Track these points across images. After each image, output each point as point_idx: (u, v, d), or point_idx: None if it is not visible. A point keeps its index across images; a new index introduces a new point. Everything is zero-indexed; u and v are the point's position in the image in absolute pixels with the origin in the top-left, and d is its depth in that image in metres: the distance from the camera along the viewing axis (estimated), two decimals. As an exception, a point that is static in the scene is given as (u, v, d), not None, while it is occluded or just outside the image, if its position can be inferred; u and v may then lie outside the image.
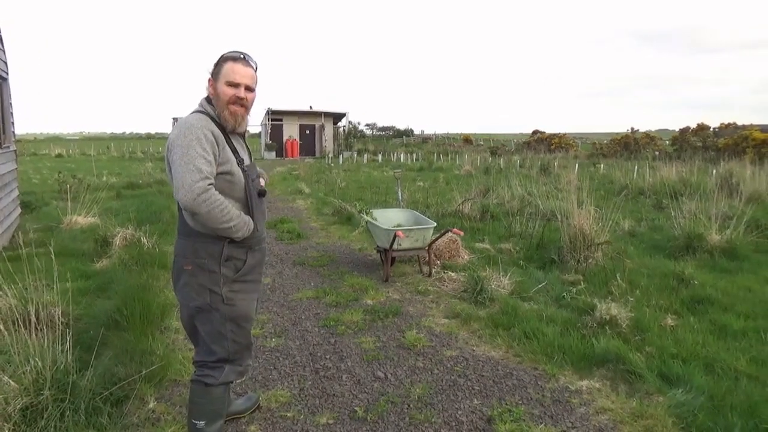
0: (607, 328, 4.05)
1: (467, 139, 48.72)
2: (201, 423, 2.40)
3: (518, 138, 40.96)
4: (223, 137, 2.30)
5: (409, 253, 5.51)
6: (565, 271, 5.72)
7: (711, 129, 28.60)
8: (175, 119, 21.95)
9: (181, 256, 2.35)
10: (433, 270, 5.67)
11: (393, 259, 5.76)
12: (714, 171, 14.66)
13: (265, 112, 34.46)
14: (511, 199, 9.88)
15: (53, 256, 3.56)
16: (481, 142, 46.91)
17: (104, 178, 16.06)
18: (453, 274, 5.50)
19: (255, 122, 35.16)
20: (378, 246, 5.72)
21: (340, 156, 30.42)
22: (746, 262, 5.89)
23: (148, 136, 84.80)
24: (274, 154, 33.18)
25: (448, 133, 56.57)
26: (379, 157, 31.35)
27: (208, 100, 2.38)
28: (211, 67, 2.38)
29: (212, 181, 2.18)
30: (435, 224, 5.49)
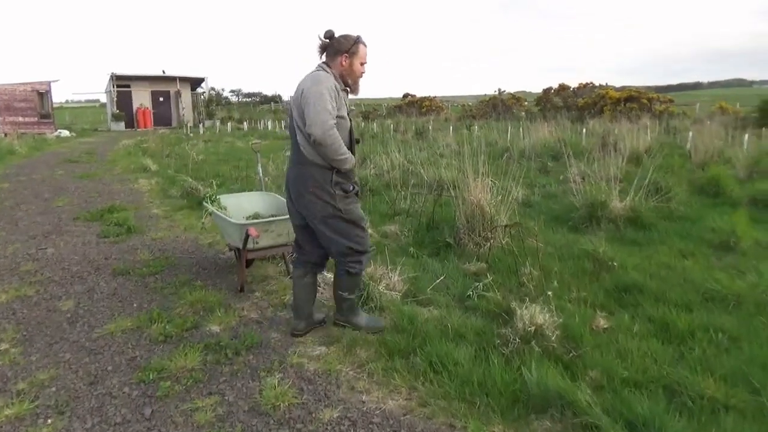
0: (533, 343, 3.07)
1: (338, 104, 47.11)
2: (346, 293, 3.32)
3: (389, 102, 40.31)
4: (339, 90, 3.05)
5: (271, 251, 4.17)
6: (464, 257, 4.73)
7: (571, 89, 29.90)
8: None
9: (303, 181, 3.08)
10: (304, 270, 4.39)
11: (250, 261, 4.38)
12: (584, 130, 14.80)
13: (108, 77, 30.30)
14: (391, 169, 8.79)
15: None
16: (353, 107, 45.67)
17: None
18: (329, 275, 4.26)
19: (96, 89, 31.01)
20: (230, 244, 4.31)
21: (201, 125, 27.62)
22: (654, 232, 5.31)
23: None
24: (122, 125, 29.45)
25: (318, 99, 54.31)
26: (245, 125, 28.99)
27: (324, 63, 3.12)
28: (340, 43, 3.08)
29: (336, 121, 2.91)
30: (302, 212, 4.18)
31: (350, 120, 3.17)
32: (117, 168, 11.93)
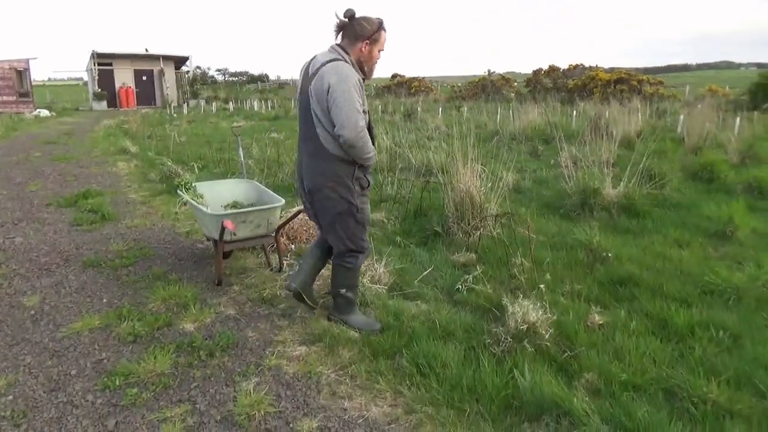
0: (525, 342, 2.90)
1: (326, 84, 46.49)
2: (343, 290, 3.18)
3: (378, 82, 39.78)
4: (362, 83, 2.86)
5: (250, 242, 3.95)
6: (453, 247, 4.54)
7: (561, 70, 29.61)
8: None
9: (323, 175, 2.92)
10: (285, 262, 4.18)
11: (228, 253, 4.16)
12: (574, 112, 14.61)
13: (90, 55, 29.51)
14: (378, 153, 8.55)
15: None
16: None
17: None
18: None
19: (77, 67, 30.25)
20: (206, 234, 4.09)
21: (185, 105, 27.05)
22: (648, 220, 5.15)
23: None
24: (105, 104, 28.80)
25: (305, 78, 53.60)
26: (231, 105, 28.45)
27: (340, 47, 2.88)
28: (363, 28, 2.85)
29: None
30: (283, 201, 3.96)
31: (368, 112, 2.98)
32: (96, 150, 11.56)
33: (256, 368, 2.81)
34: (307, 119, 2.92)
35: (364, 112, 2.82)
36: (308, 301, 3.33)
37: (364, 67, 2.93)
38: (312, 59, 2.95)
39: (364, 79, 2.93)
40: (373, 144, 2.99)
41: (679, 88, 28.46)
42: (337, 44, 2.91)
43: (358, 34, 2.84)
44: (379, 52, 2.94)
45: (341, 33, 2.91)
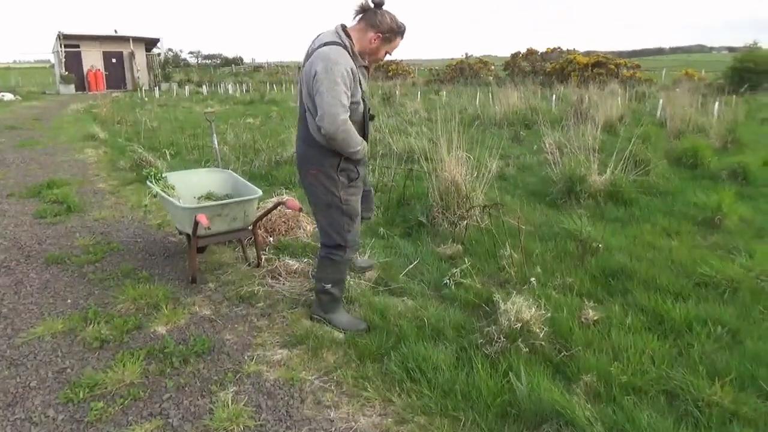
0: (520, 342, 2.76)
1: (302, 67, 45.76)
2: (328, 285, 2.99)
3: (355, 65, 39.16)
4: (356, 72, 2.63)
5: (226, 237, 3.73)
6: (438, 238, 4.38)
7: (539, 53, 29.50)
8: None
9: (306, 161, 2.82)
10: (264, 256, 3.97)
11: (203, 247, 3.94)
12: (553, 96, 14.52)
13: (56, 36, 28.43)
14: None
15: None
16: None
17: None
18: (292, 262, 3.86)
19: (44, 50, 29.27)
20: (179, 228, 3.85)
21: (157, 88, 26.28)
22: (635, 208, 5.05)
23: None
24: (72, 87, 27.81)
25: (281, 62, 52.91)
26: (204, 88, 27.74)
27: (344, 28, 2.68)
28: (383, 21, 2.66)
29: (349, 113, 2.60)
30: (260, 193, 3.73)
31: (364, 101, 2.81)
32: (62, 136, 11.07)
33: (234, 376, 2.62)
34: (301, 101, 2.82)
35: (357, 102, 2.68)
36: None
37: (366, 58, 2.77)
38: (316, 37, 2.77)
39: (365, 67, 2.83)
40: (366, 134, 2.86)
41: (654, 71, 28.65)
42: (343, 26, 2.72)
43: (375, 24, 2.67)
44: (386, 53, 2.80)
45: (360, 16, 2.72)
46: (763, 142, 8.62)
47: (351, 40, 2.68)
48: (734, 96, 13.65)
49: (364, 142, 2.81)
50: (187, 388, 2.52)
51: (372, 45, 2.71)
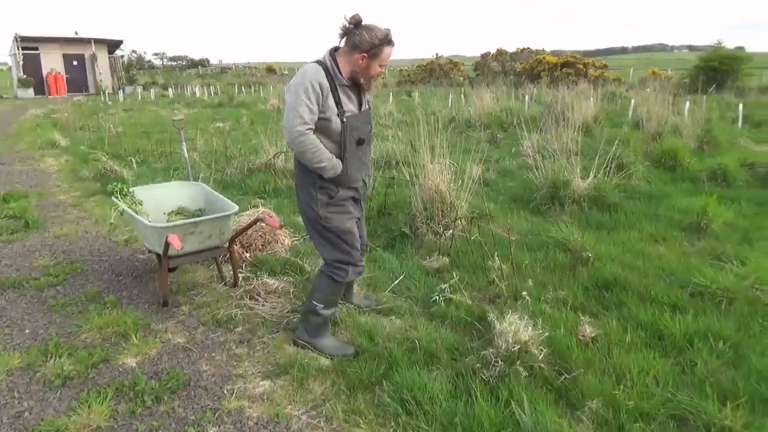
0: (518, 365, 2.60)
1: (271, 69, 45.16)
2: (320, 306, 2.84)
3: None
4: (329, 89, 2.58)
5: (199, 256, 3.48)
6: (423, 250, 4.21)
7: (508, 54, 29.66)
8: None
9: (296, 174, 2.83)
10: (241, 275, 3.74)
11: (174, 268, 3.68)
12: (526, 96, 14.53)
13: (12, 39, 27.37)
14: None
15: None
16: (286, 72, 43.76)
17: None
18: (271, 281, 3.63)
19: (1, 52, 28.16)
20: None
21: (121, 92, 25.52)
22: (620, 213, 4.96)
23: None
24: (31, 91, 26.80)
25: (249, 63, 52.18)
26: (170, 91, 27.05)
27: (334, 51, 2.66)
28: (362, 40, 2.54)
29: (311, 126, 2.55)
30: (236, 208, 3.49)
31: (343, 121, 2.62)
32: (21, 144, 10.56)
33: (213, 414, 2.39)
34: None
35: (327, 119, 2.58)
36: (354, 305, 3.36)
37: (359, 78, 2.64)
38: None
39: (360, 87, 2.71)
40: (344, 158, 2.66)
41: (620, 70, 29.12)
42: (335, 48, 2.68)
43: (357, 45, 2.57)
44: (380, 66, 2.66)
45: (344, 39, 2.64)
46: (736, 142, 8.71)
47: (334, 60, 2.63)
48: (704, 96, 13.87)
49: (339, 163, 2.65)
50: (161, 431, 2.28)
51: (361, 64, 2.60)
